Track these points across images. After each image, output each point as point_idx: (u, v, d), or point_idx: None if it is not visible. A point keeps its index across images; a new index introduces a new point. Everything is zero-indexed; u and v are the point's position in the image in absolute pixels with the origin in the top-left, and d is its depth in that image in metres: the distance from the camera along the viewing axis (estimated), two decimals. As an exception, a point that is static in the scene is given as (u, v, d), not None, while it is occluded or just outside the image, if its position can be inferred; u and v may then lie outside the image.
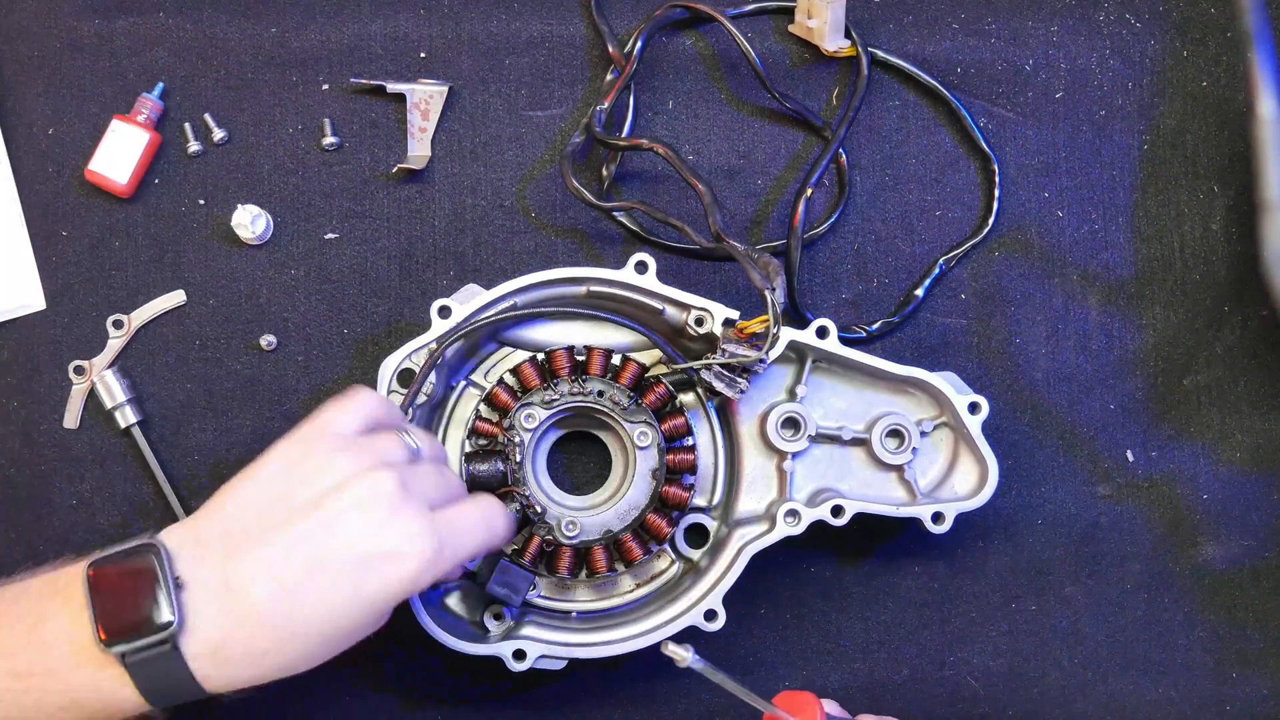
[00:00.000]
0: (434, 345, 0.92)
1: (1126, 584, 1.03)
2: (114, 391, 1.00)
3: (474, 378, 0.98)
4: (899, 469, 0.97)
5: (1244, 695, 1.03)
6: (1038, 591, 1.03)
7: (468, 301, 0.93)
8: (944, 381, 0.95)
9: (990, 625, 1.03)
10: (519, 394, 0.96)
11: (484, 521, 0.84)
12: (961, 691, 1.02)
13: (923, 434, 0.96)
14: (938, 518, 0.94)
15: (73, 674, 0.74)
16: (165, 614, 0.73)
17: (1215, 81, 1.04)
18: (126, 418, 1.00)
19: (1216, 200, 1.04)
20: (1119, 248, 1.04)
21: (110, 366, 1.01)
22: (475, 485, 0.95)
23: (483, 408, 0.97)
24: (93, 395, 1.01)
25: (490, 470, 0.94)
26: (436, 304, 0.93)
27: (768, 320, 0.90)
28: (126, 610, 0.73)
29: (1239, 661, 1.03)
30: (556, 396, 0.95)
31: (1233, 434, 1.03)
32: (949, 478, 0.97)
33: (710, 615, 0.93)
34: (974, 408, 0.95)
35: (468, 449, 0.96)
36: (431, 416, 0.97)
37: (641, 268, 0.94)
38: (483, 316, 0.93)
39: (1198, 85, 1.05)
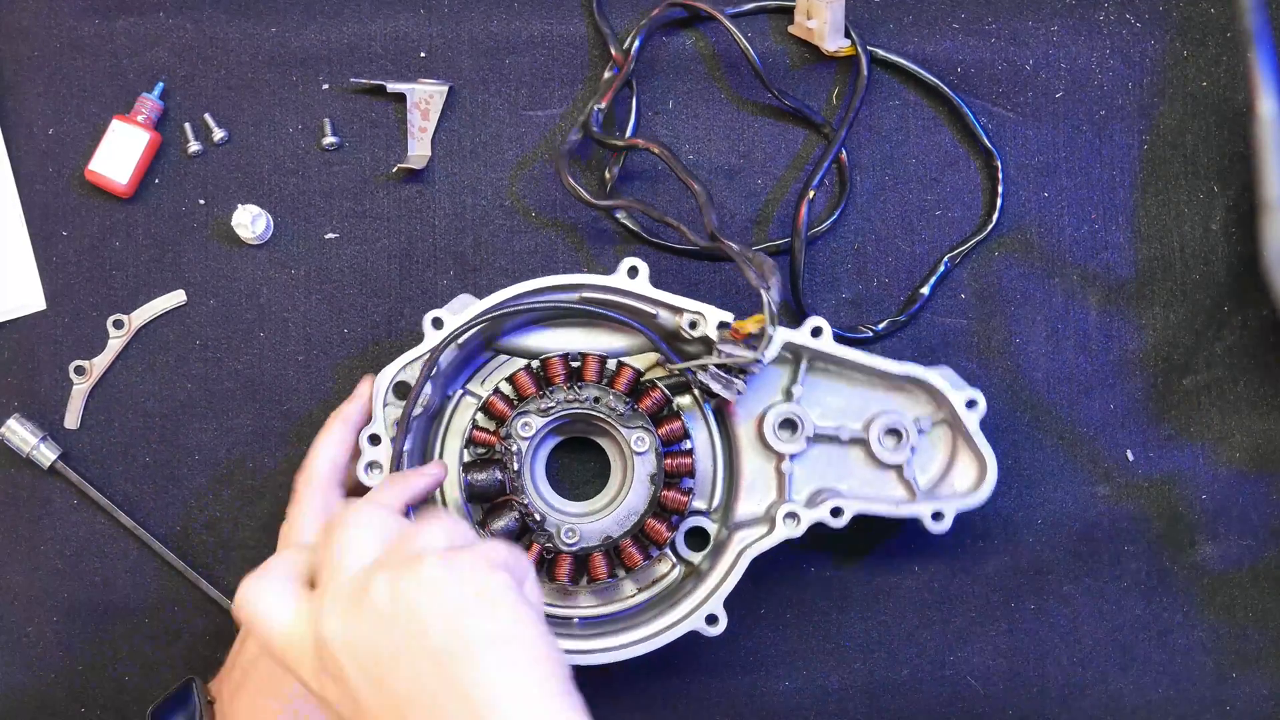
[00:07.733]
0: (428, 355, 0.92)
1: (1126, 584, 1.03)
2: (25, 437, 0.99)
3: (470, 386, 0.98)
4: (898, 468, 0.96)
5: (1244, 695, 1.03)
6: (1037, 591, 1.03)
7: (460, 312, 0.93)
8: (940, 377, 0.94)
9: (990, 625, 1.03)
10: (515, 402, 0.96)
11: None
12: (961, 691, 1.02)
13: (920, 431, 0.96)
14: (938, 516, 0.94)
15: None
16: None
17: (1215, 81, 1.04)
18: (45, 457, 0.99)
19: (1216, 200, 1.04)
20: (1119, 248, 1.04)
21: (109, 367, 1.01)
22: (474, 495, 0.95)
23: (480, 417, 0.96)
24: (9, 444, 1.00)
25: (488, 479, 0.94)
26: (429, 315, 0.92)
27: (763, 320, 0.88)
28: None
29: (1239, 661, 1.03)
30: (553, 404, 0.95)
31: (1233, 434, 1.03)
32: (948, 475, 0.97)
33: (711, 620, 0.92)
34: (971, 404, 0.94)
35: (466, 459, 0.96)
36: (429, 427, 0.97)
37: (633, 272, 0.93)
38: (476, 320, 0.92)
39: (1198, 85, 1.04)
